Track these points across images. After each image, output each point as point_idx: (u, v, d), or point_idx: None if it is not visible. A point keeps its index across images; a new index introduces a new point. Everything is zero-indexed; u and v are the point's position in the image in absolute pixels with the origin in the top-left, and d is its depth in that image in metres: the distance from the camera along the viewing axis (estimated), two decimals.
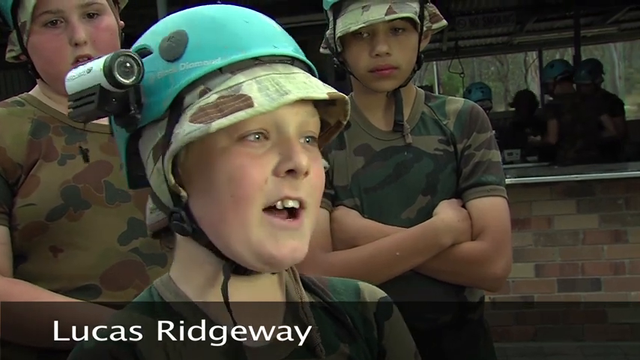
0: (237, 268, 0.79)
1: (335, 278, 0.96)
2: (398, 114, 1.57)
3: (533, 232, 4.53)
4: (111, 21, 1.45)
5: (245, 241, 0.76)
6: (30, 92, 1.50)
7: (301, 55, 0.81)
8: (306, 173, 0.76)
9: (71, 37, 1.39)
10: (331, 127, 0.85)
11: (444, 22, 1.62)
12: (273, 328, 0.83)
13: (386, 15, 1.46)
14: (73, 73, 0.83)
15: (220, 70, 0.75)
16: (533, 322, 4.62)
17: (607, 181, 4.47)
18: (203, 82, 0.76)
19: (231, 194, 0.75)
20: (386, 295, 0.97)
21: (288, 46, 0.80)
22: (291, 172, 0.75)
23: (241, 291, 0.80)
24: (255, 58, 0.76)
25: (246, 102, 0.71)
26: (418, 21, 1.52)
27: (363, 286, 0.96)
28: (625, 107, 7.25)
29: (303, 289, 0.88)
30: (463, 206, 1.54)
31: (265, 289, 0.84)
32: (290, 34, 0.83)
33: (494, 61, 24.04)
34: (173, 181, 0.76)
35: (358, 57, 1.54)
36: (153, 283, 0.85)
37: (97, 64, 0.79)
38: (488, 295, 1.67)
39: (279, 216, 0.76)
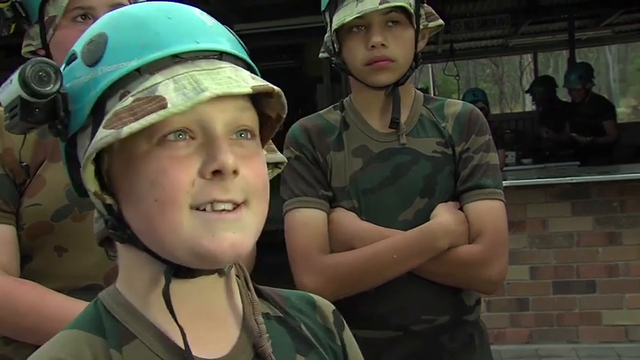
0: (179, 271, 0.75)
1: (288, 291, 0.93)
2: (395, 111, 1.56)
3: (528, 234, 4.54)
4: None
5: (178, 242, 0.71)
6: None
7: (233, 49, 0.76)
8: (235, 172, 0.71)
9: None
10: (273, 120, 0.80)
11: (441, 21, 1.62)
12: (226, 337, 0.80)
13: (380, 4, 1.47)
14: (3, 85, 0.80)
15: (139, 72, 0.72)
16: (528, 325, 4.62)
17: (602, 183, 4.49)
18: (123, 85, 0.72)
19: (155, 198, 0.71)
20: (335, 307, 0.94)
21: (216, 40, 0.75)
22: (217, 172, 0.71)
23: (186, 297, 0.76)
24: (175, 56, 0.72)
25: (160, 103, 0.67)
26: (412, 12, 1.52)
27: (316, 297, 0.94)
28: (619, 110, 7.34)
29: (255, 296, 0.84)
30: (460, 209, 1.55)
31: (212, 295, 0.80)
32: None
33: (490, 63, 24.09)
34: (93, 189, 0.73)
35: (354, 51, 1.54)
36: (99, 295, 0.81)
37: (16, 75, 0.76)
38: (483, 297, 1.68)
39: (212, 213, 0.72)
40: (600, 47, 19.59)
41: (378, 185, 1.56)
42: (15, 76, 0.77)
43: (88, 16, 1.41)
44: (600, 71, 22.84)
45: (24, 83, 0.75)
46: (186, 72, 0.71)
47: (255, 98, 0.77)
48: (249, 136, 0.76)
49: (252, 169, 0.74)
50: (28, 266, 1.41)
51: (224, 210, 0.72)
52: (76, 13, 1.41)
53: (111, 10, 1.38)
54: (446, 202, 1.55)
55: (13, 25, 1.48)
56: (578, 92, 6.43)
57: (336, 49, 1.58)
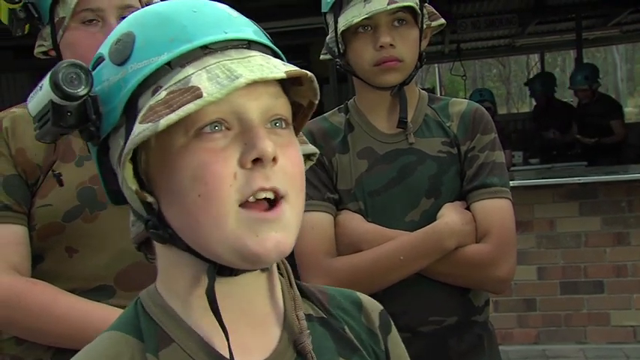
0: (221, 270, 0.74)
1: (333, 288, 0.91)
2: (402, 111, 1.55)
3: (536, 234, 4.53)
4: None
5: (223, 240, 0.70)
6: None
7: (260, 38, 0.76)
8: (275, 159, 0.70)
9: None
10: (305, 108, 0.80)
11: (443, 20, 1.62)
12: (266, 338, 0.79)
13: (388, 5, 1.47)
14: (32, 93, 0.80)
15: (170, 65, 0.72)
16: (535, 325, 4.61)
17: (609, 183, 4.47)
18: (155, 80, 0.72)
19: (199, 194, 0.70)
20: (383, 308, 0.92)
21: (243, 30, 0.75)
22: (257, 161, 0.70)
23: (227, 296, 0.75)
24: (205, 47, 0.72)
25: (195, 93, 0.67)
26: (419, 11, 1.52)
27: (363, 297, 0.91)
28: (627, 109, 7.34)
29: (298, 293, 0.83)
30: (467, 208, 1.54)
31: (254, 292, 0.79)
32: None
33: (497, 63, 24.05)
34: (134, 187, 0.72)
35: (362, 52, 1.54)
36: (140, 294, 0.80)
37: (46, 80, 0.76)
38: (490, 297, 1.67)
39: (256, 208, 0.70)
40: (608, 47, 19.54)
41: (384, 187, 1.55)
42: (45, 81, 0.76)
43: (97, 18, 1.41)
44: (608, 71, 22.78)
45: (55, 86, 0.74)
46: (218, 62, 0.70)
47: (285, 87, 0.76)
48: (283, 125, 0.75)
49: (289, 157, 0.73)
50: (40, 267, 1.42)
51: (266, 199, 0.71)
52: (84, 15, 1.41)
53: (120, 13, 1.40)
54: (452, 202, 1.54)
55: (27, 26, 1.49)
56: (584, 93, 6.44)
57: (341, 50, 1.58)
